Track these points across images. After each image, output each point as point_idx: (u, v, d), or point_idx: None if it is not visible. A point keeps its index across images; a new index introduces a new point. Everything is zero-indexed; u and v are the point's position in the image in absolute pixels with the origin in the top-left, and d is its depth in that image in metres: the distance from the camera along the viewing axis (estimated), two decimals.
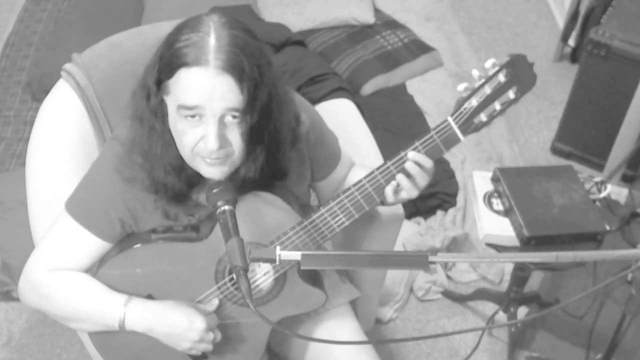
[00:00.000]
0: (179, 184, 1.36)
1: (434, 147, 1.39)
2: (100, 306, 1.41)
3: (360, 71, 3.16)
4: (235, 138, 1.28)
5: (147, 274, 1.43)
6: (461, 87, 1.39)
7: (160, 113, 1.31)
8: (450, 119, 1.39)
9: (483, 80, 1.37)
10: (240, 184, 1.36)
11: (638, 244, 2.05)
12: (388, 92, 3.14)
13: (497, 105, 1.38)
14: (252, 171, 1.36)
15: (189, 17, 1.29)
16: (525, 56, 1.38)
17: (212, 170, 1.31)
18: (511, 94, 1.38)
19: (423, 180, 1.41)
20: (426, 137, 1.39)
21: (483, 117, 1.39)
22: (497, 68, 1.37)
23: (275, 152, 1.38)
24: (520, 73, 1.37)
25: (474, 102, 1.38)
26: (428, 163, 1.40)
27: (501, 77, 1.37)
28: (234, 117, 1.26)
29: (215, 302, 1.46)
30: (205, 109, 1.23)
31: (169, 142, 1.32)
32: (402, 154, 1.40)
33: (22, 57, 3.24)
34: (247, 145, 1.30)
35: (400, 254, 1.31)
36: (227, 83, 1.22)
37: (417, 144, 1.39)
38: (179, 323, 1.39)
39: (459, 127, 1.39)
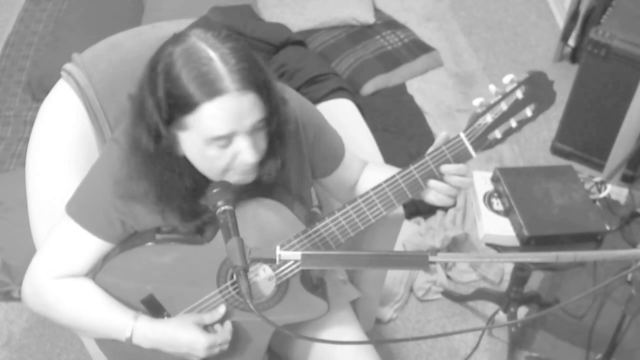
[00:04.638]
0: (193, 205, 1.37)
1: (445, 163, 1.36)
2: (106, 324, 1.42)
3: (360, 71, 3.15)
4: (263, 142, 1.30)
5: (149, 273, 1.43)
6: (477, 102, 1.35)
7: (173, 150, 1.29)
8: (462, 135, 1.35)
9: (500, 96, 1.33)
10: (245, 187, 1.36)
11: (638, 244, 2.04)
12: (388, 92, 3.13)
13: (513, 123, 1.35)
14: (274, 169, 1.36)
15: (182, 48, 1.22)
16: (545, 73, 1.34)
17: (244, 178, 1.32)
18: (528, 112, 1.34)
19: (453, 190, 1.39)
20: (437, 152, 1.35)
21: (497, 134, 1.35)
22: (515, 84, 1.33)
23: (283, 140, 1.37)
24: (539, 90, 1.33)
25: (488, 118, 1.34)
26: (462, 169, 1.37)
27: (519, 94, 1.32)
28: (262, 126, 1.27)
29: (222, 309, 1.45)
30: (237, 130, 1.24)
31: (183, 172, 1.32)
32: (411, 167, 1.37)
33: (22, 57, 3.23)
34: (269, 144, 1.32)
35: (400, 254, 1.30)
36: (250, 99, 1.22)
37: (427, 158, 1.36)
38: (184, 344, 1.40)
39: (472, 144, 1.35)
